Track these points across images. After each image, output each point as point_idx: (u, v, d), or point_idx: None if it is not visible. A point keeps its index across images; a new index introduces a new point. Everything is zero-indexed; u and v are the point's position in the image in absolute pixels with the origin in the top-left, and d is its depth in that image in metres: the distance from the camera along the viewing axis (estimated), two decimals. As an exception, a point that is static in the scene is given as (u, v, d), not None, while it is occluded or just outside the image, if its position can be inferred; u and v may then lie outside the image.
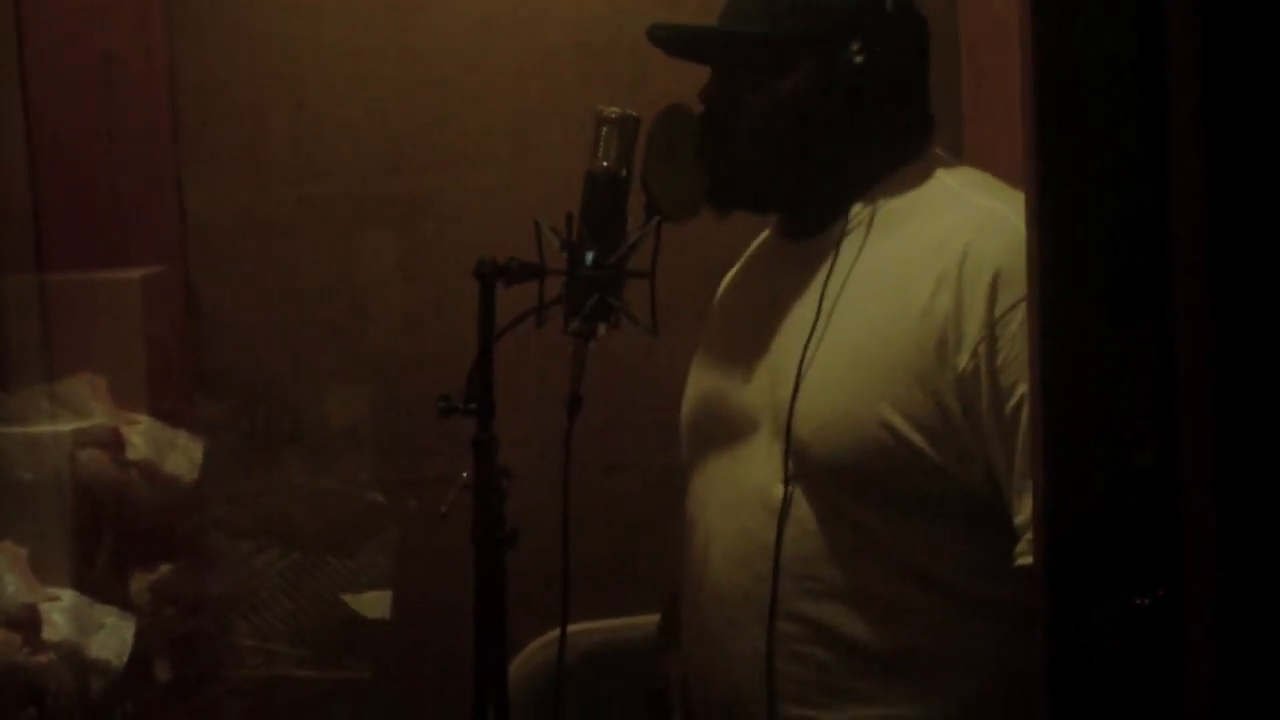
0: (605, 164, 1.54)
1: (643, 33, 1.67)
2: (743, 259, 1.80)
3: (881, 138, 1.60)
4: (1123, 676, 0.99)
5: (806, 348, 1.56)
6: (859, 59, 1.56)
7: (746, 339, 1.67)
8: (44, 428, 2.19)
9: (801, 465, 1.56)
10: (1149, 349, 0.97)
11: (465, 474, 1.53)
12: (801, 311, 1.61)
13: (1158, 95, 0.95)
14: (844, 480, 1.55)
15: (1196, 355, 0.95)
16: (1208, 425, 0.94)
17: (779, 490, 1.57)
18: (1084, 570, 1.00)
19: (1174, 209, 0.95)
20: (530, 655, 1.89)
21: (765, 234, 1.77)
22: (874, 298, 1.56)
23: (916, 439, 1.51)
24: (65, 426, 2.19)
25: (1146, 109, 0.96)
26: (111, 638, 2.07)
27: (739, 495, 1.62)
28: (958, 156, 1.99)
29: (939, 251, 1.54)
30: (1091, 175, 0.99)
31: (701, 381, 1.73)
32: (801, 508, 1.56)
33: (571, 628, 1.64)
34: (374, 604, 2.40)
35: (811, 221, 1.64)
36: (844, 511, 1.56)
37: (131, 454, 2.24)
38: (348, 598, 2.40)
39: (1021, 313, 1.45)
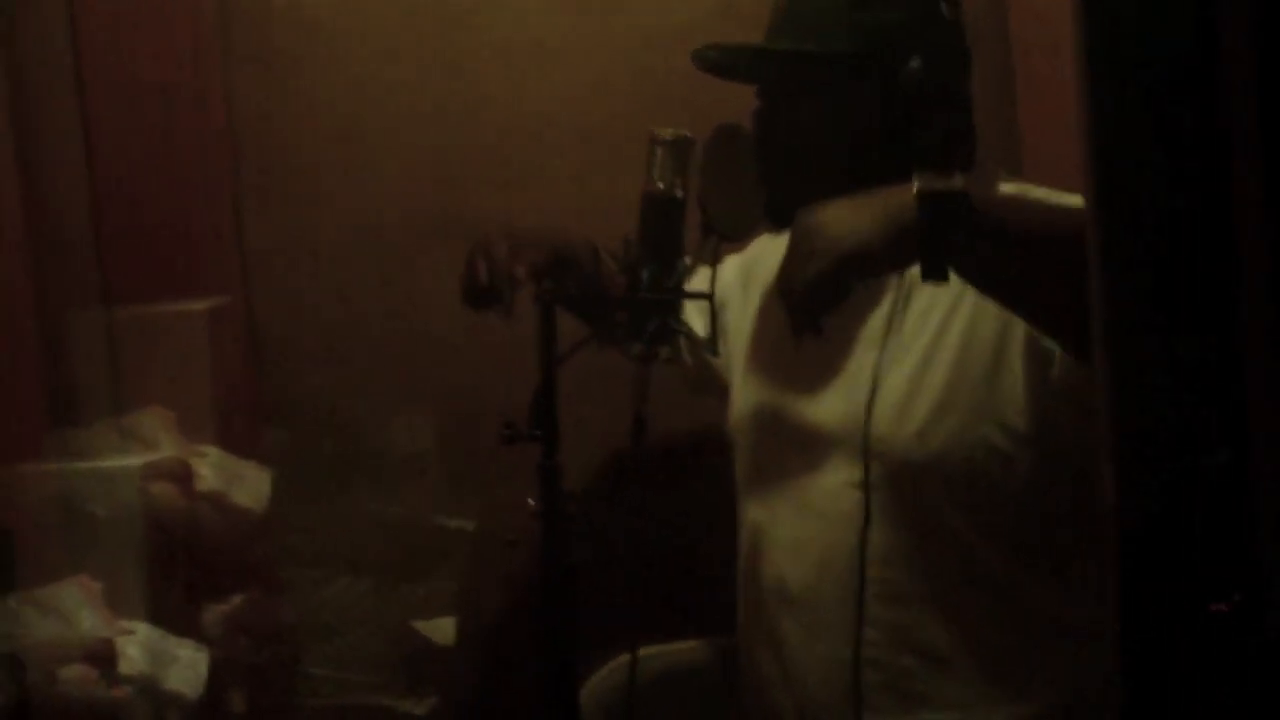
0: (660, 185, 1.54)
1: (696, 51, 1.67)
2: (772, 271, 1.79)
3: (935, 150, 1.59)
4: (1200, 684, 0.98)
5: (882, 356, 1.56)
6: (918, 74, 1.55)
7: (806, 348, 1.66)
8: (114, 462, 2.20)
9: (892, 472, 1.55)
10: (1217, 348, 0.96)
11: (532, 501, 1.53)
12: (872, 322, 1.60)
13: (1218, 93, 0.94)
14: (937, 486, 1.54)
15: (1265, 354, 0.93)
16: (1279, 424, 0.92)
17: (856, 496, 1.57)
18: (1158, 576, 0.98)
19: (1238, 201, 0.94)
20: (601, 680, 1.88)
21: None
22: (953, 308, 1.55)
23: (1012, 442, 1.51)
24: (135, 460, 2.21)
25: (1205, 105, 0.95)
26: (187, 670, 2.08)
27: (811, 503, 1.62)
28: (1016, 166, 1.97)
29: None
30: (1152, 171, 0.97)
31: (755, 392, 1.72)
32: (883, 514, 1.56)
33: (641, 652, 1.63)
34: (445, 630, 2.39)
35: None
36: (929, 518, 1.55)
37: (201, 486, 2.25)
38: (419, 624, 2.40)
39: None
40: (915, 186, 1.33)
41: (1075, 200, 1.53)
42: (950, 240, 1.32)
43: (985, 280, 1.40)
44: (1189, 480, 0.96)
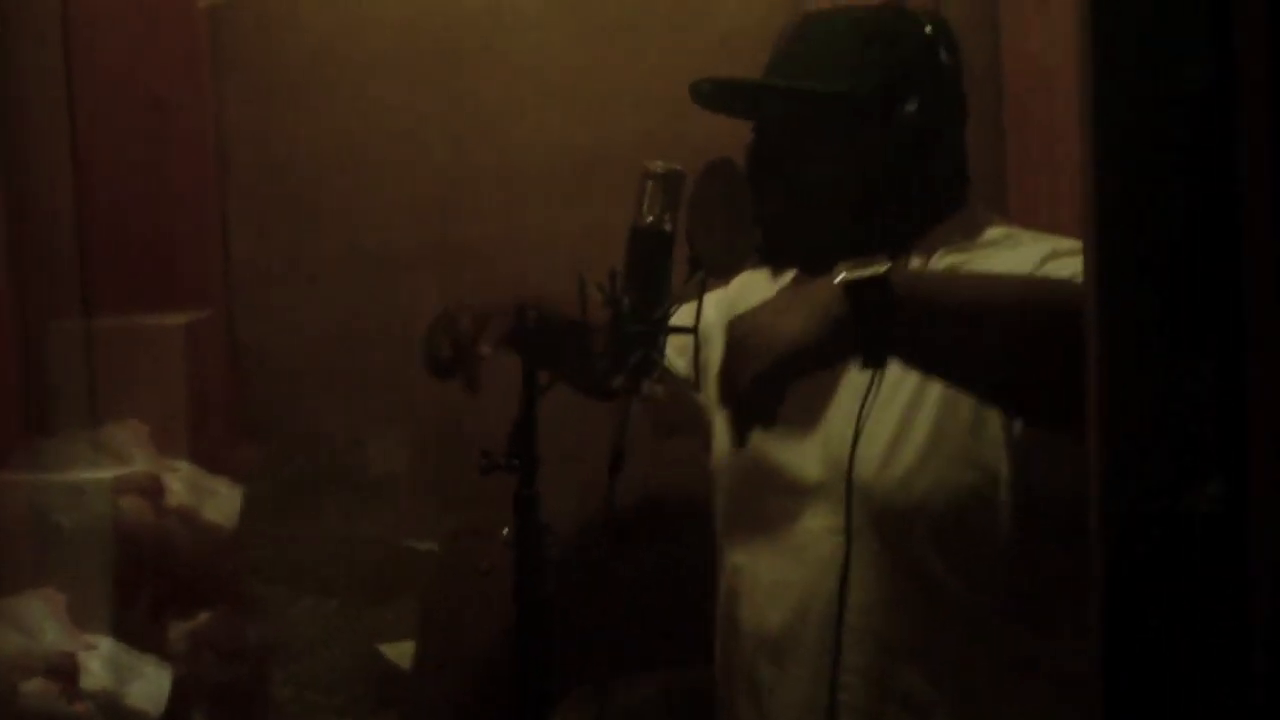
0: (650, 219, 1.52)
1: (694, 85, 1.66)
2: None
3: (928, 190, 1.60)
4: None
5: (866, 402, 1.56)
6: (915, 115, 1.56)
7: (790, 393, 1.65)
8: (85, 474, 2.19)
9: (875, 518, 1.55)
10: (1216, 385, 0.94)
11: (506, 530, 1.52)
12: (857, 368, 1.60)
13: (1225, 123, 0.93)
14: (919, 532, 1.53)
15: (1267, 384, 0.92)
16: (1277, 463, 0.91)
17: (838, 541, 1.56)
18: (1145, 618, 0.96)
19: (1245, 224, 0.92)
20: (569, 709, 1.87)
21: (779, 283, 1.75)
22: None
23: (996, 488, 1.51)
24: (106, 473, 2.19)
25: (1212, 134, 0.94)
26: (149, 686, 2.06)
27: (792, 547, 1.61)
28: (1001, 206, 1.97)
29: None
30: (1155, 203, 0.96)
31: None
32: (864, 560, 1.55)
33: (610, 681, 1.62)
34: (410, 654, 2.38)
35: None
36: (911, 564, 1.54)
37: (171, 500, 2.24)
38: (384, 647, 2.39)
39: None
40: (839, 277, 1.35)
41: (1058, 244, 1.54)
42: (878, 325, 1.33)
43: (921, 360, 1.42)
44: (1179, 517, 0.95)
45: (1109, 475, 0.97)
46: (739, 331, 1.39)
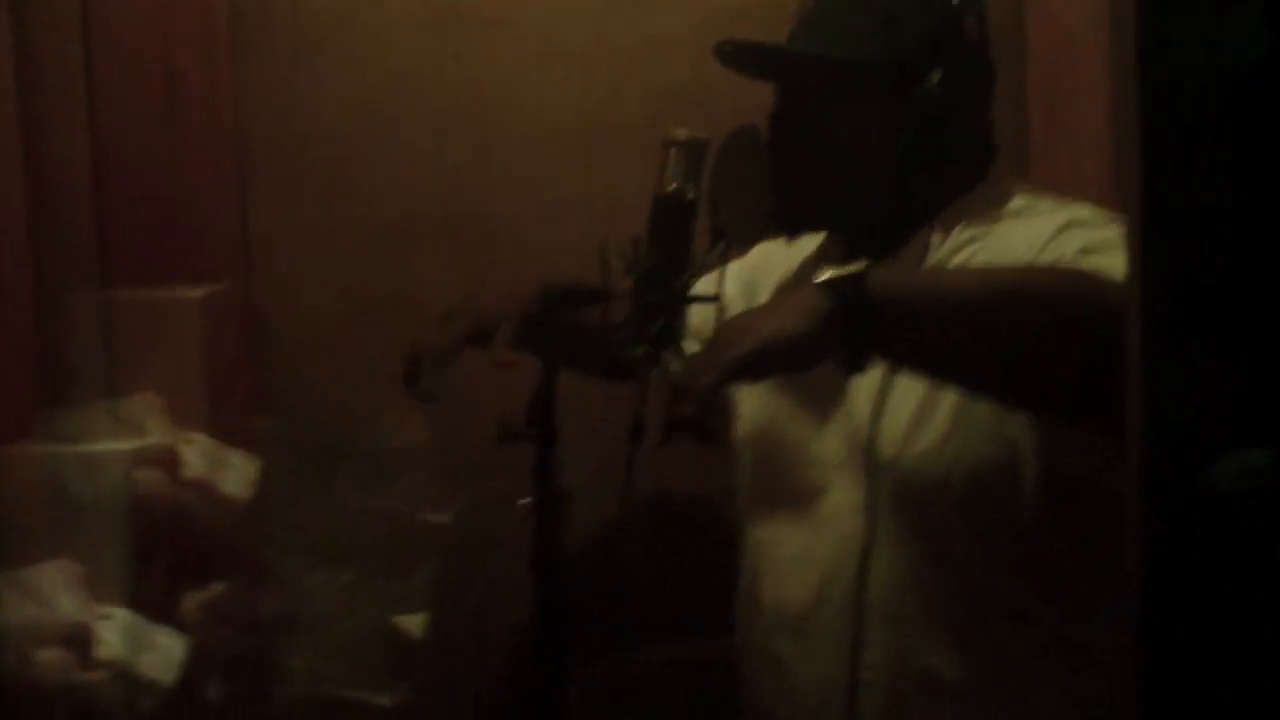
0: (672, 187, 1.53)
1: (710, 54, 1.66)
2: (781, 280, 1.77)
3: (952, 162, 1.59)
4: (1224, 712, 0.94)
5: (889, 378, 1.55)
6: (939, 86, 1.55)
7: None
8: (101, 446, 2.19)
9: (898, 493, 1.54)
10: (1259, 361, 0.92)
11: (522, 500, 1.52)
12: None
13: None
14: (943, 508, 1.53)
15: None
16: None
17: (861, 518, 1.56)
18: (1182, 598, 0.93)
19: None
20: (585, 680, 1.87)
21: (805, 255, 1.74)
22: None
23: (1020, 463, 1.50)
24: (123, 445, 2.19)
25: (1265, 107, 0.91)
26: (162, 657, 2.06)
27: (815, 523, 1.61)
28: (1025, 180, 1.96)
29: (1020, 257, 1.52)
30: (1198, 177, 0.93)
31: (759, 408, 1.71)
32: (886, 538, 1.55)
33: (627, 652, 1.63)
34: (427, 626, 2.39)
35: (878, 246, 1.62)
36: (934, 540, 1.54)
37: (187, 472, 2.24)
38: (401, 619, 2.39)
39: None
40: (820, 277, 1.34)
41: (1075, 213, 1.53)
42: (857, 325, 1.32)
43: (908, 360, 1.40)
44: (1220, 491, 0.93)
45: (1148, 453, 0.94)
46: (720, 330, 1.38)
